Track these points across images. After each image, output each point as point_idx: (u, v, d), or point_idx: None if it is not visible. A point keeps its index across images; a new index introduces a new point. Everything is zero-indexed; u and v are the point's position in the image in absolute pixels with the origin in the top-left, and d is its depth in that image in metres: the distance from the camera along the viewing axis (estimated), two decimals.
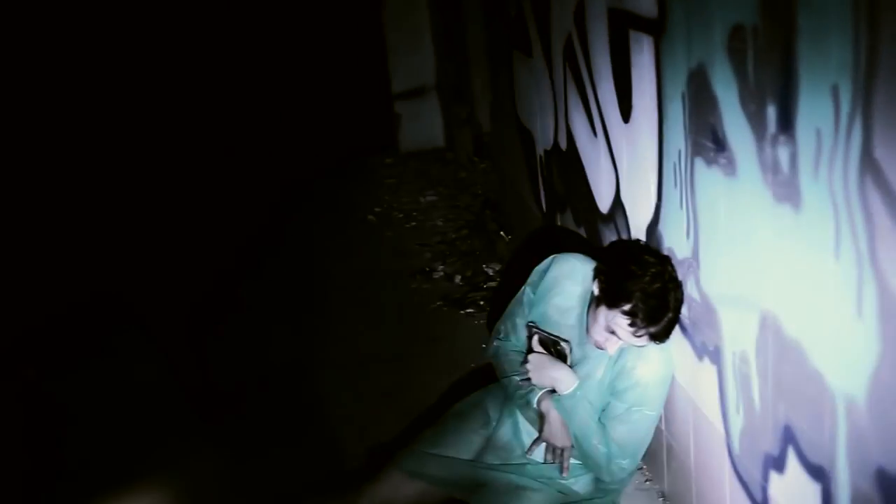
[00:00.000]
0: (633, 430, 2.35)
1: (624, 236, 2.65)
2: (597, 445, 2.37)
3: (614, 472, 2.39)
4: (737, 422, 1.97)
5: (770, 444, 1.80)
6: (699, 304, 2.12)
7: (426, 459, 2.58)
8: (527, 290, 2.61)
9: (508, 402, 2.63)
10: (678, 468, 2.44)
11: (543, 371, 2.46)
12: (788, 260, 1.62)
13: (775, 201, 1.63)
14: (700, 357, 2.16)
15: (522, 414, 2.58)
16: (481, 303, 4.07)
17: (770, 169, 1.64)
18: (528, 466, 2.52)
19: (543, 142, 3.61)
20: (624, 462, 2.37)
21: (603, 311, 2.22)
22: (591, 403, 2.40)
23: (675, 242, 2.24)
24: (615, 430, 2.35)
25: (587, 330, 2.35)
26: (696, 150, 2.00)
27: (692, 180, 2.05)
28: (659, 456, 2.56)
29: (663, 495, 2.59)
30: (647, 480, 2.68)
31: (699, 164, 2.00)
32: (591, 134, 2.87)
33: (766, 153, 1.65)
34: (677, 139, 2.11)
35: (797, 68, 1.48)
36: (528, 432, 2.55)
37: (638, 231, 2.51)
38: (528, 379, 2.49)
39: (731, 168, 1.82)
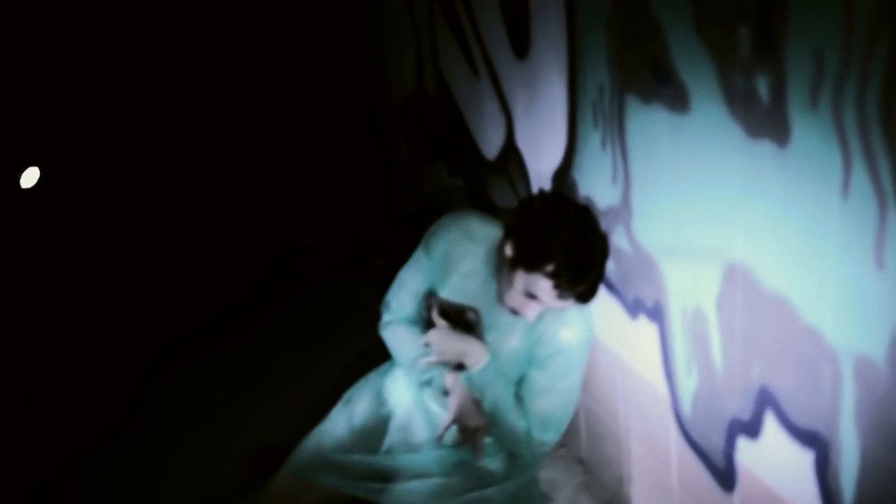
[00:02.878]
0: (557, 400, 2.13)
1: (520, 185, 2.40)
2: (515, 422, 2.13)
3: (535, 448, 2.17)
4: (688, 384, 1.79)
5: (738, 408, 1.63)
6: (631, 256, 1.91)
7: (321, 459, 2.25)
8: (419, 254, 2.30)
9: (408, 383, 2.33)
10: (602, 433, 2.27)
11: (449, 345, 2.18)
12: (769, 202, 1.42)
13: (749, 137, 1.42)
14: (633, 314, 1.96)
15: (426, 394, 2.29)
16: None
17: (741, 100, 1.42)
18: (439, 452, 2.25)
19: (402, 87, 3.27)
20: (546, 436, 2.15)
21: (520, 275, 1.96)
22: (505, 376, 2.16)
23: (594, 189, 2.01)
24: (537, 403, 2.13)
25: (498, 295, 2.08)
26: (628, 84, 1.76)
27: (621, 119, 1.82)
28: (574, 421, 2.37)
29: (581, 461, 2.42)
30: (561, 447, 2.49)
31: (632, 100, 1.76)
32: (471, 74, 2.57)
33: (735, 83, 1.42)
34: (598, 74, 1.86)
35: None
36: (434, 414, 2.28)
37: (541, 179, 2.27)
38: (431, 355, 2.21)
39: (680, 103, 1.59)
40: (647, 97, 1.70)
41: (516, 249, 1.97)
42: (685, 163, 1.63)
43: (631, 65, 1.74)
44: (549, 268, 1.90)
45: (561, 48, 1.99)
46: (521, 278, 1.96)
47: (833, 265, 1.31)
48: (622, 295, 2.00)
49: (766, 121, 1.38)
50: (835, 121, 1.23)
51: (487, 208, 2.67)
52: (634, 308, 1.95)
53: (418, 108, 3.14)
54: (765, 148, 1.39)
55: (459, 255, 2.22)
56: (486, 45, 2.42)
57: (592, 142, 1.96)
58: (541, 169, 2.25)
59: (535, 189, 2.33)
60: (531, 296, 1.97)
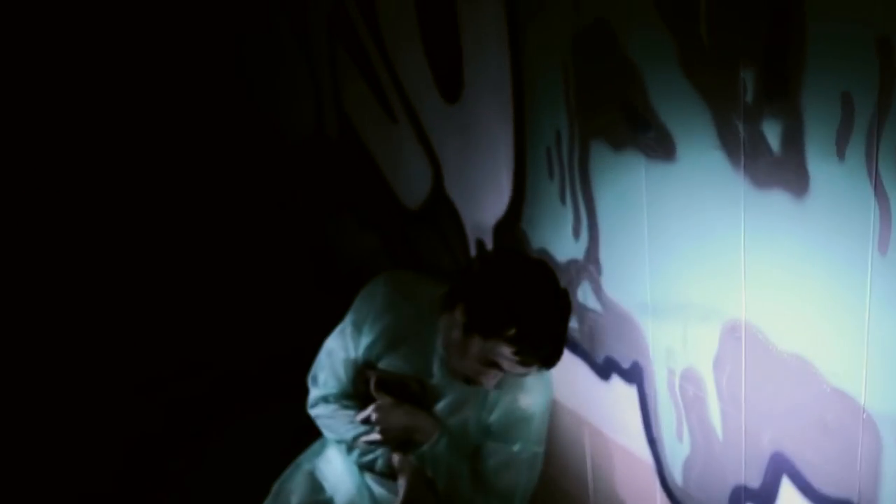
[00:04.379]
0: (520, 473, 1.95)
1: (452, 237, 2.21)
2: (473, 500, 1.93)
3: None
4: (678, 450, 1.65)
5: (744, 476, 1.50)
6: (601, 314, 1.76)
7: None
8: (348, 321, 2.05)
9: (346, 465, 2.08)
10: (564, 501, 2.10)
11: (394, 420, 1.96)
12: (782, 257, 1.30)
13: (755, 187, 1.30)
14: (604, 376, 1.81)
15: (367, 478, 2.05)
16: None
17: (744, 149, 1.31)
18: None
19: (297, 132, 3.01)
20: None
21: (476, 342, 1.76)
22: (459, 450, 1.96)
23: (551, 243, 1.85)
24: (498, 478, 1.94)
25: (447, 364, 1.88)
26: (593, 130, 1.62)
27: (584, 168, 1.67)
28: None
29: None
30: None
31: (598, 147, 1.62)
32: (386, 119, 2.37)
33: (735, 130, 1.30)
34: (553, 119, 1.71)
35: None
36: (381, 499, 2.03)
37: (479, 230, 2.09)
38: (372, 434, 1.97)
39: (662, 151, 1.46)
40: (619, 144, 1.56)
41: (469, 314, 1.77)
42: (668, 215, 1.50)
43: (596, 109, 1.59)
44: (510, 332, 1.71)
45: (504, 91, 1.83)
46: (476, 345, 1.76)
47: (868, 324, 1.20)
48: (589, 356, 1.85)
49: (777, 170, 1.26)
50: (868, 170, 1.12)
51: (412, 263, 2.47)
52: (605, 370, 1.80)
53: (317, 155, 2.90)
54: (777, 199, 1.27)
55: (397, 320, 2.00)
56: (406, 89, 2.22)
57: (547, 192, 1.80)
58: (479, 220, 2.08)
59: (471, 241, 2.15)
60: (490, 364, 1.77)
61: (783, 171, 1.25)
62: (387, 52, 2.26)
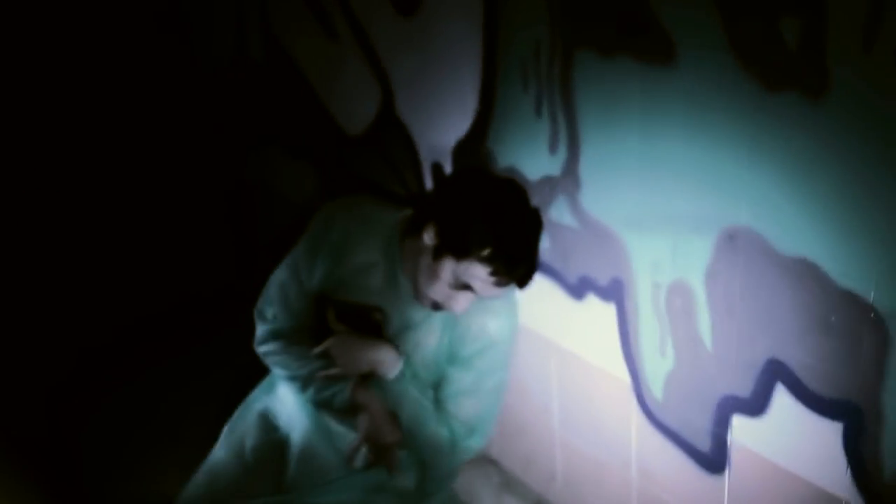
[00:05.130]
0: (484, 401, 1.89)
1: (403, 161, 2.11)
2: (436, 430, 1.88)
3: (460, 456, 1.92)
4: (660, 365, 1.64)
5: (734, 386, 1.51)
6: (577, 231, 1.72)
7: None
8: (301, 251, 1.93)
9: (300, 403, 1.97)
10: (523, 429, 2.07)
11: (354, 354, 1.86)
12: (788, 160, 1.29)
13: (765, 90, 1.28)
14: (577, 296, 1.78)
15: (324, 414, 1.95)
16: None
17: (754, 48, 1.27)
18: (352, 479, 1.92)
19: (214, 55, 2.79)
20: (473, 442, 1.90)
21: (448, 264, 1.68)
22: (422, 380, 1.89)
23: (522, 160, 1.79)
24: (461, 406, 1.88)
25: (415, 289, 1.79)
26: (578, 38, 1.55)
27: (566, 78, 1.60)
28: None
29: (493, 461, 2.21)
30: None
31: (584, 56, 1.55)
32: (324, 37, 2.21)
33: (745, 29, 1.27)
34: (531, 29, 1.63)
35: None
36: (338, 435, 1.94)
37: (435, 152, 2.00)
38: (328, 368, 1.88)
39: (660, 55, 1.41)
40: (608, 50, 1.50)
41: (441, 235, 1.68)
42: (663, 123, 1.46)
43: (584, 16, 1.53)
44: (485, 252, 1.64)
45: (472, 1, 1.73)
46: (448, 268, 1.68)
47: (881, 224, 1.21)
48: (561, 276, 1.80)
49: (791, 70, 1.24)
50: None
51: (352, 191, 2.34)
52: (579, 289, 1.77)
53: (239, 79, 2.70)
54: (788, 101, 1.25)
55: (353, 247, 1.89)
56: (351, 2, 2.07)
57: (519, 107, 1.73)
58: (436, 142, 1.98)
59: (426, 165, 2.05)
60: (463, 286, 1.70)
61: (799, 70, 1.22)
62: None
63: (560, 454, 2.01)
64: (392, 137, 2.11)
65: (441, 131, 1.96)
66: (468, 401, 1.88)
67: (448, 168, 1.99)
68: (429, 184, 2.06)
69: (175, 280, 3.19)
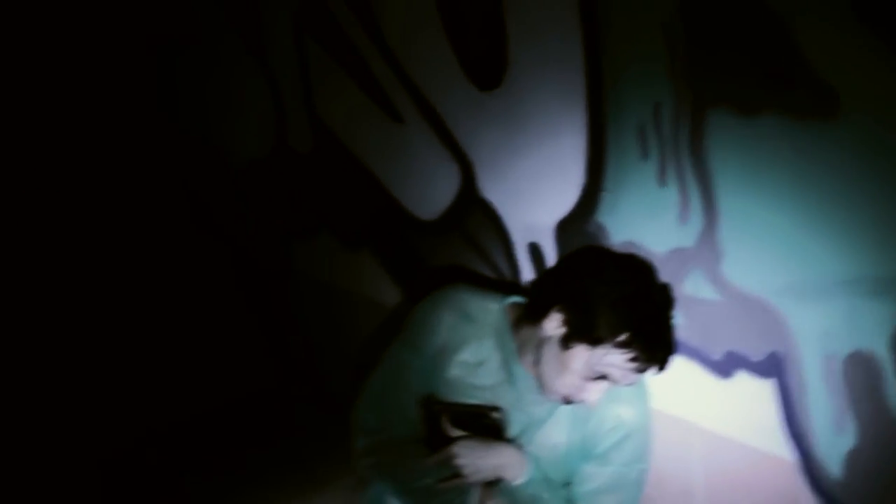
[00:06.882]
0: (625, 495, 1.72)
1: (492, 245, 1.96)
2: None
3: None
4: (837, 443, 1.48)
5: None
6: (719, 305, 1.57)
7: None
8: (400, 351, 1.76)
9: None
10: None
11: (480, 460, 1.68)
12: None
13: None
14: (725, 373, 1.62)
15: None
16: None
17: None
18: None
19: (246, 151, 2.64)
20: None
21: (580, 353, 1.52)
22: (554, 482, 1.72)
23: (644, 234, 1.64)
24: None
25: (542, 383, 1.63)
26: (709, 96, 1.42)
27: (699, 142, 1.47)
28: None
29: None
30: None
31: (717, 115, 1.42)
32: (387, 120, 2.07)
33: None
34: (650, 89, 1.50)
35: None
36: None
37: (531, 232, 1.85)
38: (451, 478, 1.70)
39: (816, 109, 1.28)
40: (750, 110, 1.37)
41: (569, 323, 1.53)
42: (822, 183, 1.33)
43: (715, 71, 1.40)
44: (622, 337, 1.49)
45: (571, 66, 1.60)
46: (580, 357, 1.53)
47: None
48: (701, 353, 1.65)
49: None
50: None
51: (428, 279, 2.18)
52: (725, 366, 1.61)
53: (280, 172, 2.55)
54: None
55: (462, 345, 1.73)
56: (417, 81, 1.94)
57: (637, 176, 1.59)
58: (530, 221, 1.84)
59: (519, 246, 1.90)
60: (598, 376, 1.55)
61: None
62: (385, 41, 1.98)
63: None
64: (475, 219, 1.96)
65: (536, 208, 1.81)
66: (609, 498, 1.71)
67: (548, 248, 1.84)
68: (526, 266, 1.90)
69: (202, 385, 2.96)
